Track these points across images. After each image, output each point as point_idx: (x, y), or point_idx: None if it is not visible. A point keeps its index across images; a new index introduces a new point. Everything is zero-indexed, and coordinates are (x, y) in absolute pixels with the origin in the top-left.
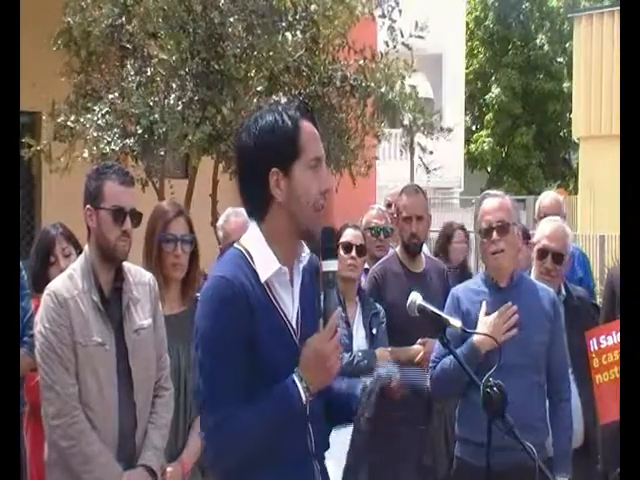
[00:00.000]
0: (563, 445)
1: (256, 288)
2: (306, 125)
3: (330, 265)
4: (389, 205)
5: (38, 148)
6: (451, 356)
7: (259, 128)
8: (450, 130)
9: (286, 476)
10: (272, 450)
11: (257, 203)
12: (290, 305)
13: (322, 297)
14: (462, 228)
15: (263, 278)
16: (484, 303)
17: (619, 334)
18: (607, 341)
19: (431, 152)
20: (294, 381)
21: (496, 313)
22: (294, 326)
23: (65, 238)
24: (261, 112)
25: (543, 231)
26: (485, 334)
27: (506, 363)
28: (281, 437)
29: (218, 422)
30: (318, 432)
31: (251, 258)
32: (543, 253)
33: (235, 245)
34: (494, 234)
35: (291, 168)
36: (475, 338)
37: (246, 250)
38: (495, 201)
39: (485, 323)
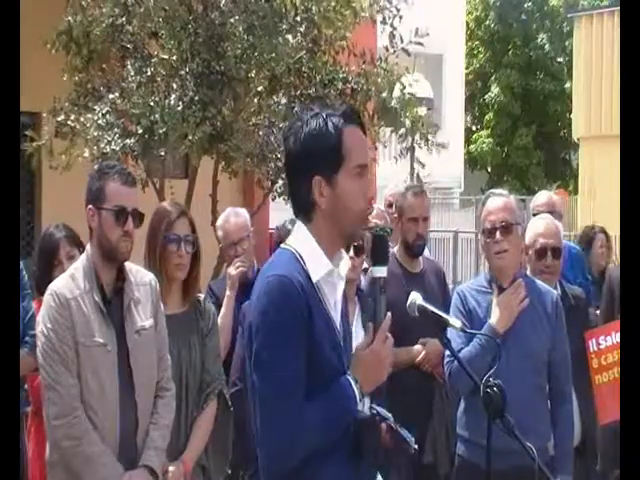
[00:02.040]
0: (565, 446)
1: (309, 288)
2: (350, 132)
3: (380, 272)
4: (390, 205)
5: (41, 142)
6: (471, 345)
7: (304, 134)
8: (444, 146)
9: (342, 473)
10: (330, 450)
11: (303, 206)
12: (333, 306)
13: (372, 301)
14: (603, 231)
15: (315, 278)
16: (495, 290)
17: (618, 334)
18: (606, 341)
19: (423, 165)
20: (349, 382)
21: (510, 289)
22: (339, 328)
23: (69, 240)
24: (308, 116)
25: (536, 230)
26: (486, 334)
27: (509, 365)
28: (339, 436)
29: (281, 423)
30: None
31: (302, 258)
32: (542, 251)
33: (284, 246)
34: (497, 234)
35: (334, 176)
36: (492, 319)
37: (296, 251)
38: (499, 201)
39: (499, 303)
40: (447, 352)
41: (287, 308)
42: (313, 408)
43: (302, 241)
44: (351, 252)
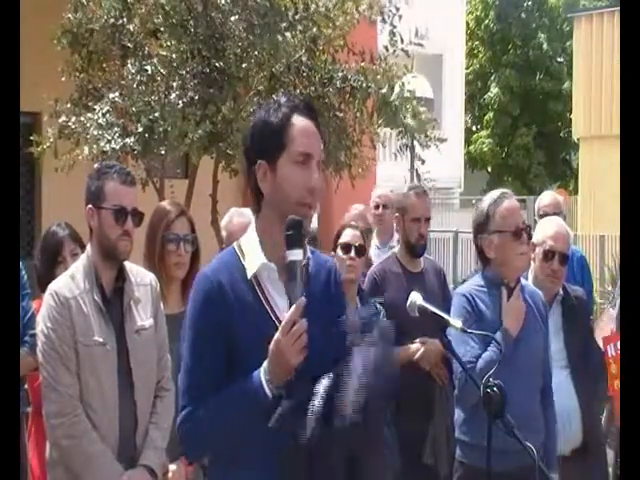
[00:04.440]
0: (553, 443)
1: (242, 285)
2: (298, 120)
3: (294, 255)
4: (377, 206)
5: (46, 146)
6: (493, 348)
7: (253, 122)
8: (443, 140)
9: (265, 469)
10: (242, 442)
11: (253, 198)
12: (281, 302)
13: (285, 288)
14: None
15: (249, 274)
16: (504, 292)
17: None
18: None
19: (423, 161)
20: (259, 375)
21: (515, 294)
22: (281, 320)
23: (72, 239)
24: (258, 107)
25: (545, 232)
26: (486, 334)
27: (512, 366)
28: (251, 429)
29: (185, 415)
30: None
31: (242, 254)
32: (550, 255)
33: (234, 242)
34: (524, 235)
35: (276, 162)
36: (505, 323)
37: (239, 247)
38: (516, 203)
39: (510, 307)
40: (467, 358)
41: (201, 305)
42: (213, 403)
43: (247, 236)
44: (352, 253)
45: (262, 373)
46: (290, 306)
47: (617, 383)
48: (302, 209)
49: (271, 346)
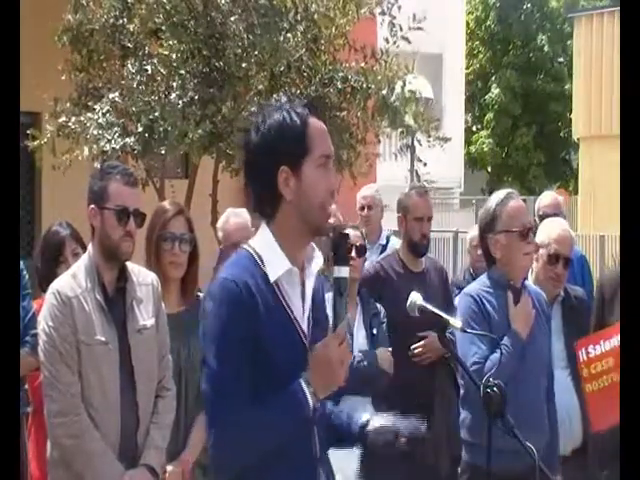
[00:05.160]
0: (554, 443)
1: (264, 289)
2: (314, 122)
3: (342, 271)
4: (362, 208)
5: (43, 141)
6: (501, 350)
7: (267, 126)
8: (447, 139)
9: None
10: (279, 454)
11: (266, 202)
12: (300, 306)
13: (332, 303)
14: None
15: (272, 278)
16: (509, 293)
17: (607, 343)
18: (595, 350)
19: (425, 164)
20: (302, 386)
21: (525, 297)
22: (304, 328)
23: (74, 238)
24: (268, 110)
25: (550, 235)
26: (486, 334)
27: (522, 367)
28: (288, 441)
29: (224, 425)
30: (322, 437)
31: (260, 259)
32: (554, 258)
33: (244, 246)
34: (530, 236)
35: (300, 166)
36: (514, 326)
37: (255, 251)
38: (522, 203)
39: (520, 309)
40: (474, 359)
41: (229, 311)
42: (256, 412)
43: (262, 240)
44: (353, 253)
45: (304, 385)
46: (335, 321)
47: (588, 387)
48: (325, 213)
49: (319, 358)
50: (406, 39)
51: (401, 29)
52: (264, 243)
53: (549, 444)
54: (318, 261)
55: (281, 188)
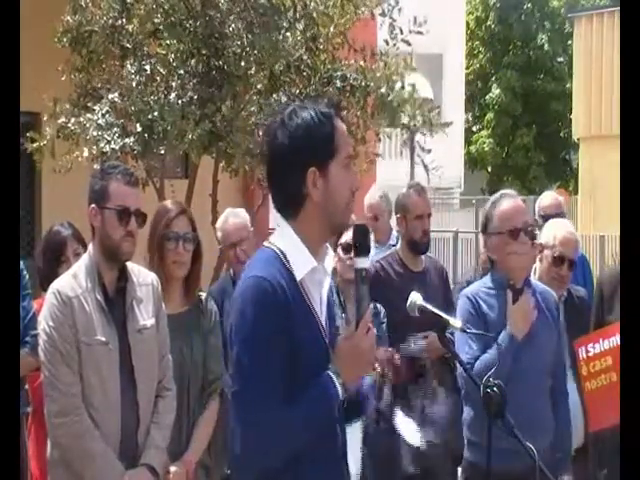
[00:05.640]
0: (566, 444)
1: (291, 287)
2: (339, 123)
3: (363, 262)
4: (369, 218)
5: (42, 143)
6: (492, 351)
7: (296, 126)
8: (449, 124)
9: (321, 475)
10: (308, 450)
11: (291, 201)
12: (319, 303)
13: (355, 292)
14: None
15: (299, 277)
16: (509, 294)
17: (606, 342)
18: (594, 349)
19: (429, 151)
20: (331, 378)
21: (523, 297)
22: (323, 324)
23: (75, 238)
24: (294, 109)
25: (555, 236)
26: (486, 334)
27: (521, 367)
28: (318, 436)
29: (259, 422)
30: (344, 431)
31: (285, 257)
32: (560, 260)
33: (266, 244)
34: (522, 235)
35: (327, 167)
36: (511, 326)
37: (279, 249)
38: (518, 202)
39: (517, 310)
40: (465, 358)
41: (264, 310)
42: (294, 410)
43: (285, 239)
44: (352, 253)
45: (334, 376)
46: (359, 310)
47: (587, 385)
48: (348, 211)
49: (348, 348)
50: (406, 42)
51: (401, 32)
52: (288, 241)
53: (559, 444)
54: (330, 258)
55: (309, 189)
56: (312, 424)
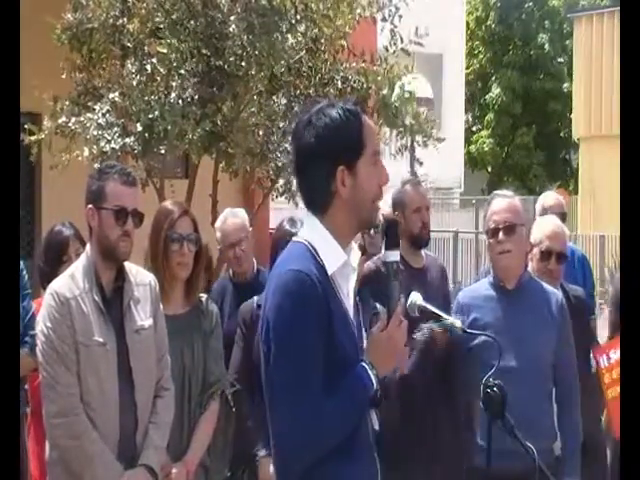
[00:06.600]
0: (573, 449)
1: (324, 280)
2: (367, 120)
3: (393, 256)
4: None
5: (41, 137)
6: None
7: (324, 124)
8: (442, 140)
9: (357, 466)
10: (344, 440)
11: (319, 198)
12: (347, 297)
13: (385, 285)
14: None
15: (331, 270)
16: (499, 293)
17: None
18: (616, 355)
19: (421, 163)
20: (366, 370)
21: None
22: (351, 317)
23: (77, 238)
24: (321, 107)
25: (543, 231)
26: (485, 334)
27: (513, 367)
28: (361, 424)
29: (301, 416)
30: (371, 420)
31: (316, 251)
32: (547, 254)
33: (296, 239)
34: (500, 234)
35: (356, 164)
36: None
37: (310, 244)
38: (503, 202)
39: (377, 340)
40: None
41: (305, 302)
42: (332, 404)
43: (316, 234)
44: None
45: (368, 368)
46: (389, 302)
47: (611, 392)
48: (376, 207)
49: (382, 339)
50: (405, 51)
51: (402, 40)
52: (318, 236)
53: (567, 449)
54: (355, 253)
55: (338, 186)
56: (348, 418)
